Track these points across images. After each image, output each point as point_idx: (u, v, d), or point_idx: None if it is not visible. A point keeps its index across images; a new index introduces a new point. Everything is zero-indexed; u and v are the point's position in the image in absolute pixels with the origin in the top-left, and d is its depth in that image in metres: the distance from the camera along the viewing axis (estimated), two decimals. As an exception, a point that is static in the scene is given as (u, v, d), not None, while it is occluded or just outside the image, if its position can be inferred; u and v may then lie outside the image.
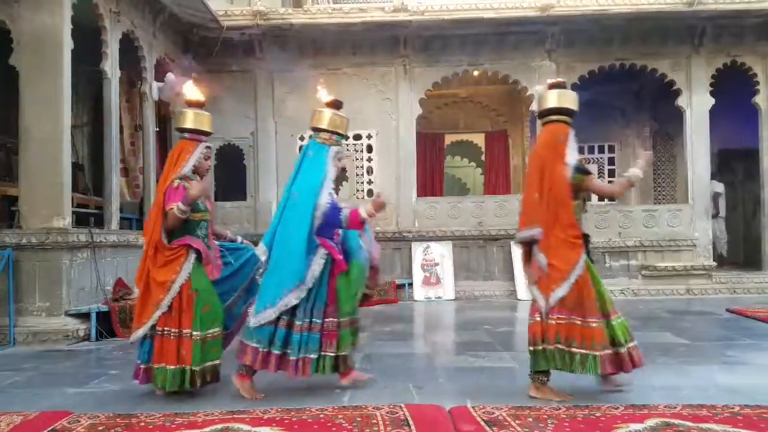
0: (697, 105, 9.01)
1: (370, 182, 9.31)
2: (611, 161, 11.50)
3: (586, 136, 11.04)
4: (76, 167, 7.55)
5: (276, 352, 3.37)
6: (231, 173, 9.56)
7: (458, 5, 8.72)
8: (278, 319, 3.38)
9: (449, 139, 11.91)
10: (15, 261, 5.53)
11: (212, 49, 8.81)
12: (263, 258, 3.51)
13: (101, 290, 6.12)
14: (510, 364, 3.90)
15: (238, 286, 3.79)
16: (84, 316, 5.72)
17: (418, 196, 9.39)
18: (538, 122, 3.58)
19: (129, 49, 7.23)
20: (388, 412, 3.02)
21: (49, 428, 2.88)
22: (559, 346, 3.17)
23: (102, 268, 6.21)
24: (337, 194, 11.06)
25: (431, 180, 11.45)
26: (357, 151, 9.30)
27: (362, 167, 9.33)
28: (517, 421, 2.85)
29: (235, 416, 3.02)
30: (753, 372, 3.91)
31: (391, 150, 9.23)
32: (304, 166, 3.58)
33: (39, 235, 5.57)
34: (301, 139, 9.28)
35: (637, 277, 8.87)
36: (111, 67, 6.74)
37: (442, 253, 8.94)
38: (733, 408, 2.99)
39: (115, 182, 6.88)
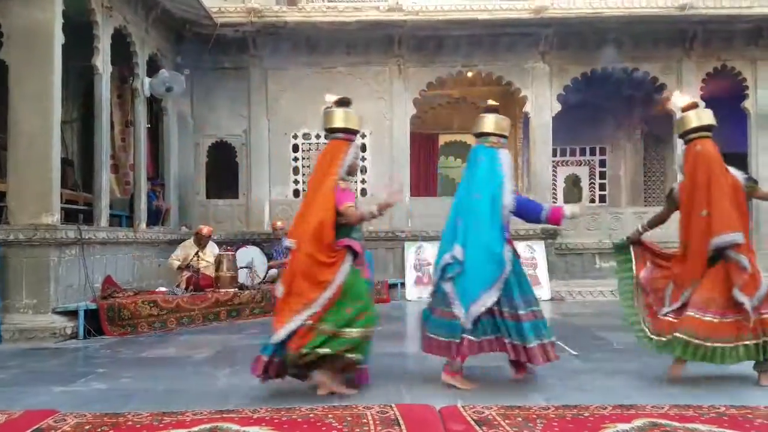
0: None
1: (363, 181, 9.29)
2: (602, 163, 11.56)
3: (578, 137, 11.11)
4: (66, 163, 7.48)
5: (490, 337, 3.52)
6: (223, 171, 9.51)
7: (453, 6, 8.74)
8: (486, 311, 3.50)
9: (443, 139, 11.93)
10: (2, 257, 5.47)
11: (205, 46, 8.77)
12: (461, 259, 3.57)
13: (90, 288, 6.06)
14: (500, 363, 3.89)
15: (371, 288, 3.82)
16: (72, 314, 5.67)
17: (411, 195, 9.39)
18: (680, 142, 3.88)
19: (121, 45, 7.18)
20: (378, 412, 3.00)
21: (34, 427, 2.84)
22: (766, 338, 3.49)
23: (91, 266, 6.15)
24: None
25: (425, 180, 11.45)
26: (351, 150, 9.27)
27: (355, 167, 9.30)
28: (506, 421, 2.85)
29: (224, 416, 2.99)
30: (738, 372, 3.90)
31: (384, 149, 9.22)
32: (479, 169, 3.72)
33: (27, 231, 5.51)
34: (294, 137, 9.26)
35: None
36: (102, 62, 6.68)
37: (434, 252, 8.88)
38: (718, 408, 3.01)
39: (105, 179, 6.83)
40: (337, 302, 3.34)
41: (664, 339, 3.62)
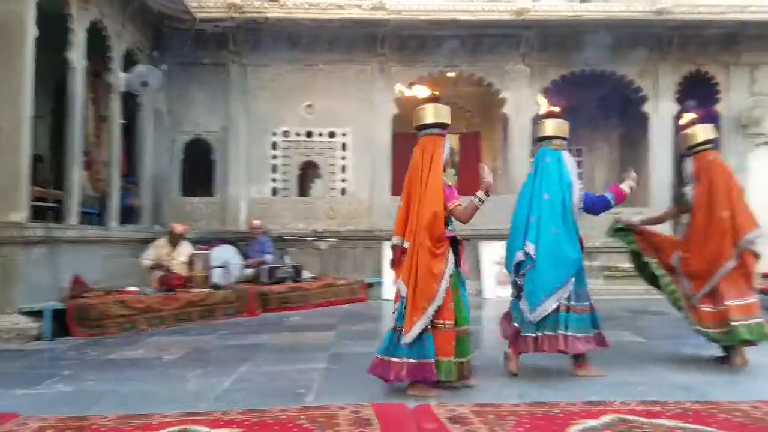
0: (662, 111, 9.26)
1: (343, 180, 9.24)
2: (579, 164, 11.65)
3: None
4: (36, 159, 7.27)
5: (568, 333, 3.67)
6: (199, 168, 9.37)
7: (436, 6, 8.75)
8: (558, 306, 3.69)
9: (424, 139, 11.90)
10: (-33, 255, 5.30)
11: (184, 41, 8.62)
12: (533, 255, 3.72)
13: (58, 287, 5.90)
14: (474, 362, 3.88)
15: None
16: (38, 315, 5.47)
17: (392, 195, 9.36)
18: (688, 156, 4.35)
19: (96, 38, 7.03)
20: (351, 412, 2.97)
21: (-7, 430, 2.74)
22: None
23: (59, 265, 5.98)
24: (310, 192, 10.92)
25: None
26: (332, 149, 9.22)
27: (336, 165, 9.24)
28: (478, 418, 2.86)
29: (193, 418, 2.93)
30: (703, 369, 4.04)
31: (366, 148, 9.18)
32: (547, 170, 3.90)
33: (-8, 229, 5.33)
34: (273, 135, 9.16)
35: (599, 277, 8.96)
36: (77, 56, 6.54)
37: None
38: (684, 404, 3.08)
39: (77, 175, 6.66)
40: (456, 299, 3.44)
41: (719, 331, 4.00)
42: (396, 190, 10.00)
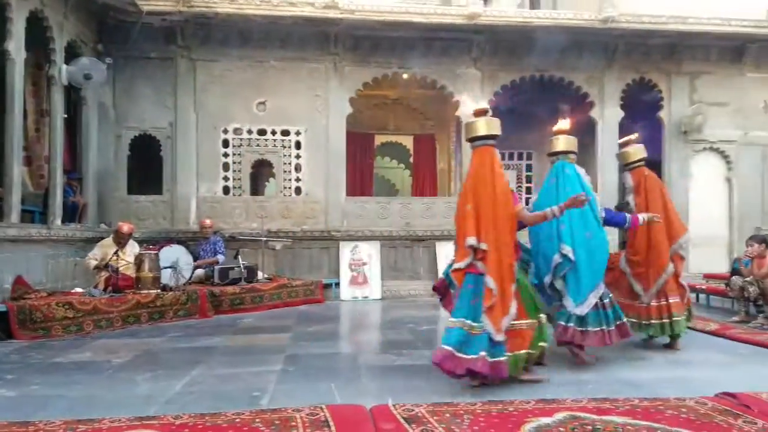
0: (608, 117, 9.58)
1: (298, 179, 9.15)
2: (529, 168, 11.98)
3: (507, 143, 11.42)
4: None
5: (610, 328, 4.08)
6: (146, 165, 9.08)
7: (389, 7, 8.77)
8: (596, 303, 4.08)
9: (379, 139, 11.95)
10: None
11: (129, 34, 8.34)
12: (572, 258, 4.03)
13: (-3, 288, 5.62)
14: (431, 361, 3.93)
15: None
16: (-24, 317, 5.21)
17: (347, 195, 9.34)
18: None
19: (37, 29, 6.72)
20: (308, 414, 2.95)
21: (-74, 441, 2.59)
22: None
23: (0, 265, 5.69)
24: (264, 191, 10.79)
25: (360, 180, 11.43)
26: (285, 147, 9.12)
27: (290, 164, 9.15)
28: (435, 417, 2.90)
29: (144, 422, 2.85)
30: (652, 367, 4.21)
31: (320, 147, 9.12)
32: (570, 181, 4.20)
33: (-77, 227, 5.02)
34: (225, 132, 8.98)
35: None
36: (16, 47, 6.24)
37: (369, 252, 8.96)
38: (632, 401, 3.18)
39: (17, 172, 6.34)
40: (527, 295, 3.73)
41: (663, 322, 4.66)
42: (351, 190, 10.03)
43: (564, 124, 4.41)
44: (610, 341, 4.06)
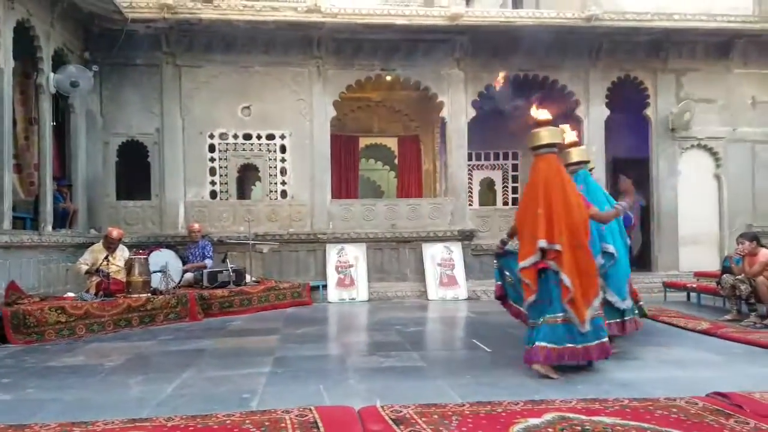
0: (593, 115, 9.62)
1: (284, 183, 9.22)
2: (515, 167, 12.09)
3: (492, 143, 11.54)
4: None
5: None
6: (134, 171, 9.12)
7: (371, 10, 8.82)
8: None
9: (364, 142, 12.00)
10: None
11: (115, 42, 8.38)
12: (616, 255, 4.52)
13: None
14: (419, 363, 4.01)
15: None
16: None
17: (333, 198, 9.41)
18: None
19: (25, 38, 6.77)
20: (297, 416, 2.99)
21: (-75, 449, 2.65)
22: None
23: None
24: (251, 195, 10.85)
25: (346, 182, 11.50)
26: (270, 151, 9.18)
27: (276, 168, 9.22)
28: (423, 419, 2.91)
29: (137, 424, 2.91)
30: (642, 366, 4.20)
31: (305, 151, 9.19)
32: (594, 188, 4.70)
33: None
34: (211, 137, 9.04)
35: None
36: (4, 56, 6.29)
37: (356, 254, 9.02)
38: (622, 401, 3.16)
39: (8, 179, 6.41)
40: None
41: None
42: (336, 193, 10.09)
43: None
44: (637, 328, 4.76)
